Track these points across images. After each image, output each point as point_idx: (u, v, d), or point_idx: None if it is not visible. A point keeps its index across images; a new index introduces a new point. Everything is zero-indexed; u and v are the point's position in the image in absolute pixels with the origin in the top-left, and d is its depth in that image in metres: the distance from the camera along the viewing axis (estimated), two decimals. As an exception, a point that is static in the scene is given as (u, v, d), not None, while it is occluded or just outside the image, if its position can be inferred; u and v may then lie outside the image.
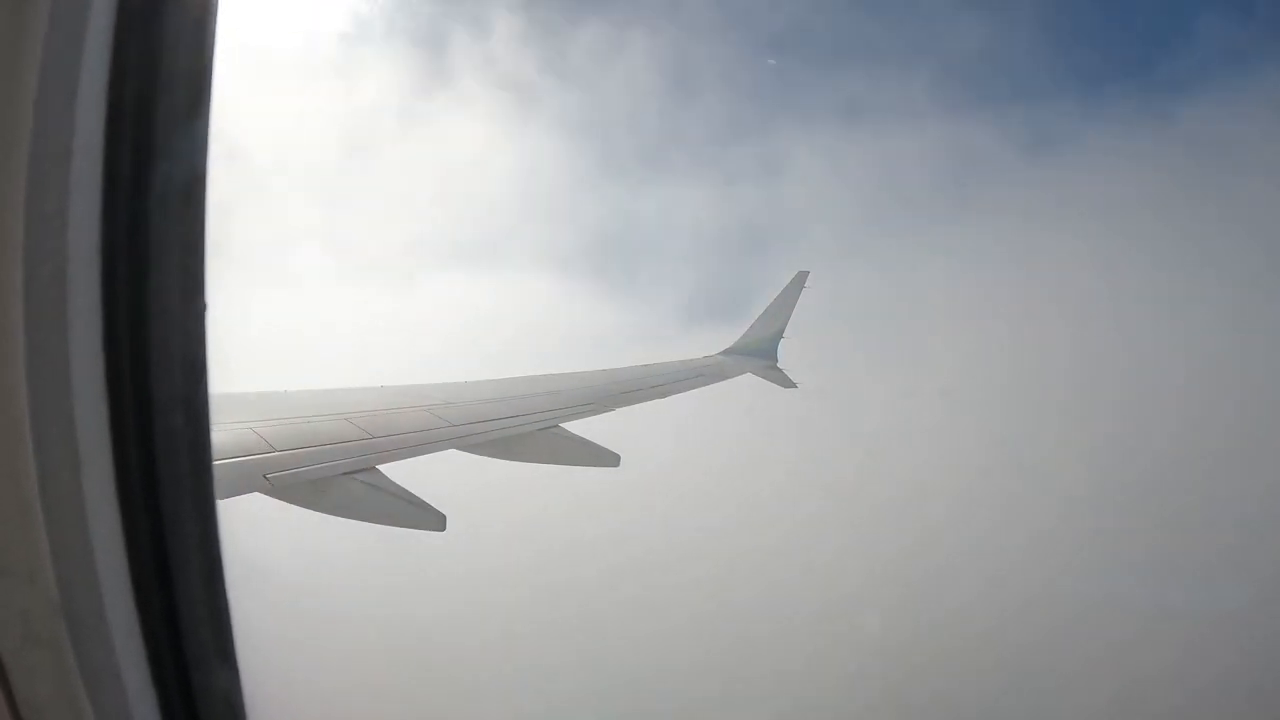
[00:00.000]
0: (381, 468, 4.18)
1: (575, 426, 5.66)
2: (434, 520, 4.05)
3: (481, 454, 5.09)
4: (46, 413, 0.92)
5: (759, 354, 10.17)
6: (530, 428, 5.48)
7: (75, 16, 0.91)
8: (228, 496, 3.34)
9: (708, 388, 8.53)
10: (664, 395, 7.38)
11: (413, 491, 4.10)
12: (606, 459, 5.49)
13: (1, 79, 0.87)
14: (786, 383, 10.19)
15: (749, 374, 9.73)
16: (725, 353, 10.12)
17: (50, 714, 0.97)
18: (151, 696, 1.08)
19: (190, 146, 1.08)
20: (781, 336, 10.43)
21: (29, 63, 0.87)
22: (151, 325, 1.06)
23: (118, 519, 1.02)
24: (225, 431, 3.85)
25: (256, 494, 3.53)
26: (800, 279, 10.86)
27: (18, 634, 0.94)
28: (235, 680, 1.23)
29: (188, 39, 1.06)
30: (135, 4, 0.98)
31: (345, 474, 3.99)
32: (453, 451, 4.89)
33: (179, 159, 1.07)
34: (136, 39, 0.98)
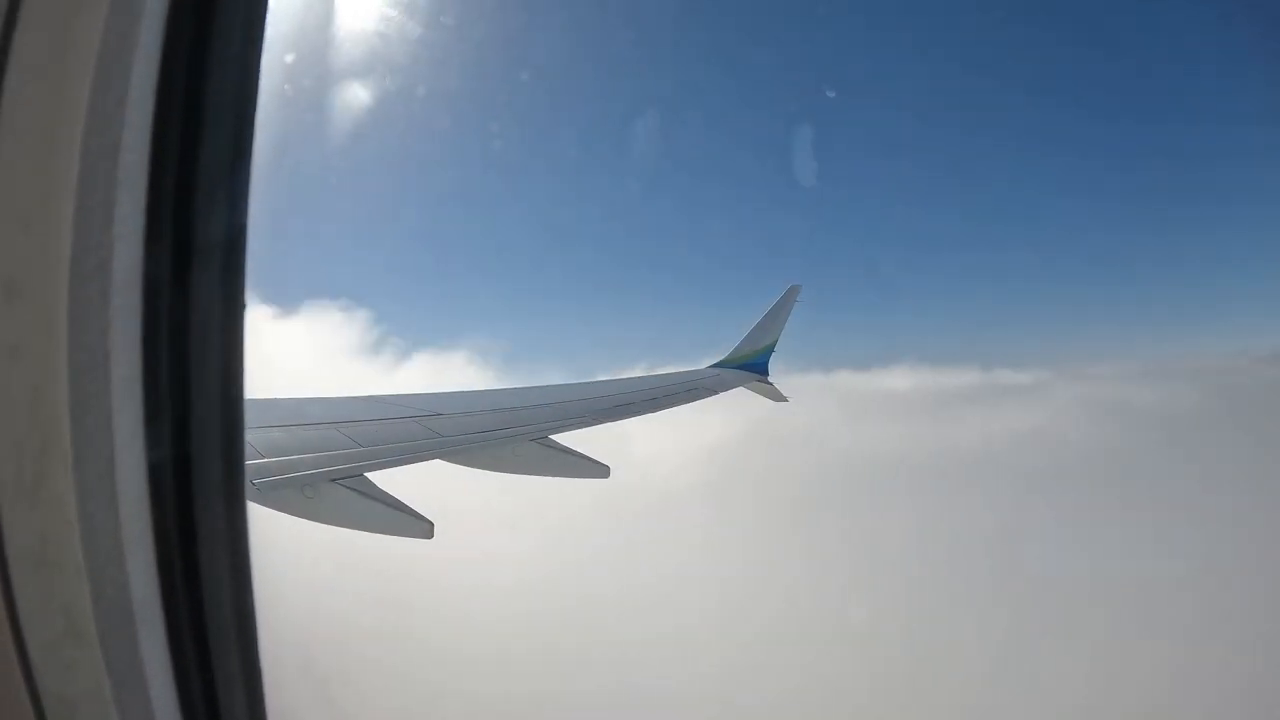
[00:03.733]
0: (369, 476, 4.18)
1: (565, 439, 5.66)
2: (422, 528, 4.05)
3: (470, 465, 5.09)
4: (85, 408, 0.93)
5: (751, 368, 10.20)
6: (519, 439, 5.48)
7: (129, 12, 0.92)
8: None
9: (699, 402, 8.55)
10: (656, 409, 7.40)
11: (401, 500, 4.10)
12: (596, 471, 5.50)
13: (57, 73, 0.88)
14: (778, 397, 10.21)
15: (741, 388, 9.76)
16: (716, 366, 10.16)
17: (79, 711, 0.97)
18: (174, 697, 1.08)
19: (235, 147, 1.10)
20: (773, 351, 10.46)
21: (84, 57, 0.88)
22: (191, 324, 1.07)
23: (149, 516, 1.02)
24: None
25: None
26: (792, 293, 10.91)
27: (58, 628, 0.95)
28: (258, 685, 1.23)
29: (238, 38, 1.08)
30: (187, 3, 1.00)
31: (332, 481, 3.99)
32: (441, 463, 4.89)
33: (224, 158, 1.08)
34: (187, 36, 1.00)
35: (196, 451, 1.09)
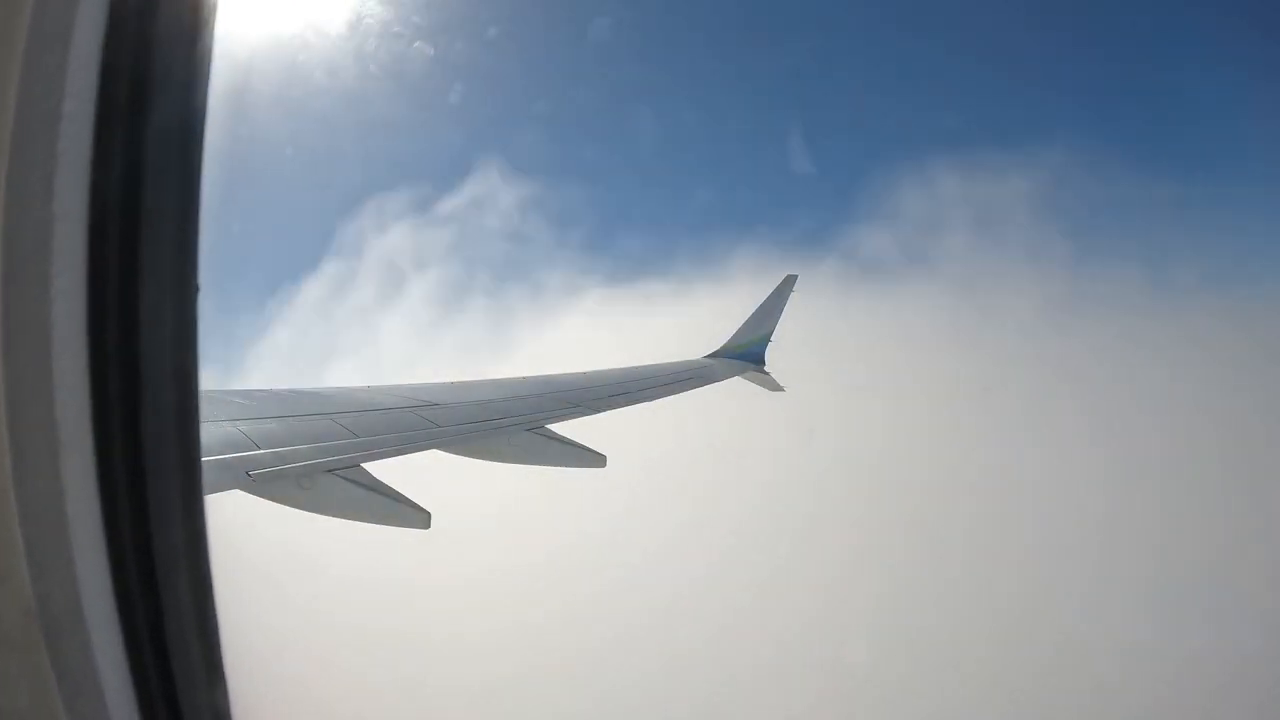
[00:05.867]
0: (366, 466, 4.17)
1: (562, 428, 5.66)
2: (418, 518, 4.04)
3: (466, 454, 5.09)
4: (24, 396, 0.86)
5: (746, 357, 10.20)
6: (516, 428, 5.48)
7: None
8: (209, 493, 3.32)
9: (695, 391, 8.55)
10: (651, 398, 7.39)
11: (397, 490, 4.10)
12: (592, 460, 5.49)
13: None
14: (774, 386, 10.21)
15: (737, 378, 9.76)
16: (712, 355, 10.16)
17: None
18: (133, 706, 1.02)
19: (188, 115, 1.02)
20: (769, 340, 10.45)
21: (19, 15, 0.81)
22: (140, 306, 0.99)
23: (99, 514, 0.95)
24: (207, 429, 3.83)
25: (238, 491, 3.51)
26: (789, 282, 10.89)
27: None
28: (222, 689, 1.17)
29: (190, 1, 1.01)
30: None
31: (329, 471, 3.99)
32: (437, 452, 4.88)
33: (176, 127, 1.01)
34: (134, 2, 0.93)
35: (148, 442, 1.02)
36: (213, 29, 1.02)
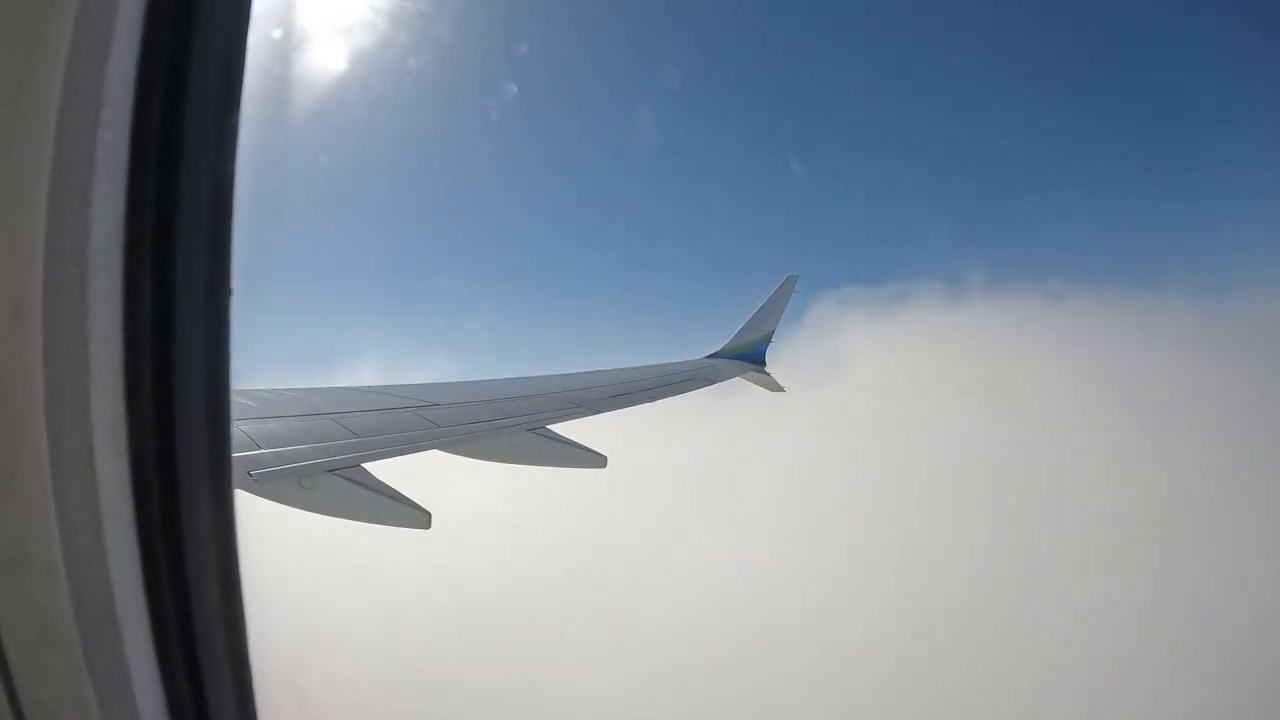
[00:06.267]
0: (367, 466, 4.17)
1: (562, 429, 5.66)
2: (419, 518, 4.04)
3: (466, 455, 5.08)
4: (63, 397, 0.88)
5: (747, 357, 10.20)
6: (517, 429, 5.47)
7: None
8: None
9: (696, 391, 8.54)
10: (652, 399, 7.38)
11: (398, 490, 4.09)
12: (593, 461, 5.49)
13: (31, 39, 0.83)
14: (775, 387, 10.21)
15: (738, 378, 9.75)
16: (713, 356, 10.16)
17: (60, 717, 0.93)
18: (162, 702, 1.04)
19: (222, 123, 1.04)
20: (770, 340, 10.45)
21: (60, 29, 0.83)
22: (175, 310, 1.01)
23: (131, 514, 0.97)
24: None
25: (239, 490, 3.50)
26: (790, 283, 10.89)
27: (32, 632, 0.90)
28: (249, 687, 1.19)
29: (224, 13, 1.02)
30: None
31: (330, 471, 3.98)
32: (438, 453, 4.88)
33: (209, 136, 1.03)
34: (171, 11, 0.94)
35: (181, 443, 1.04)
36: (247, 37, 1.03)
